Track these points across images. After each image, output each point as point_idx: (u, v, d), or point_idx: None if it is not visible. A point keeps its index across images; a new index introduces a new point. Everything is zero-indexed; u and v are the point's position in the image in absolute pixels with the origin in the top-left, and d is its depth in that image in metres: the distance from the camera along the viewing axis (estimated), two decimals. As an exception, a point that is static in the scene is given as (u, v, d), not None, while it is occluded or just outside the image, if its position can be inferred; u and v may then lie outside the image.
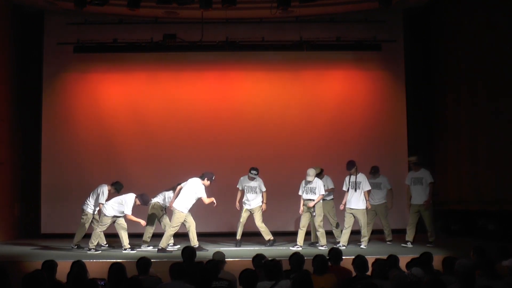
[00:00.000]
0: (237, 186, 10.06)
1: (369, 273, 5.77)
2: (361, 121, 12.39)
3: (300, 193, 9.68)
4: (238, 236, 9.96)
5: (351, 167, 9.57)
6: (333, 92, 12.54)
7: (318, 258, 5.84)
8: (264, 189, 10.00)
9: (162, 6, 10.25)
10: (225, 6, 9.72)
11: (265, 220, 11.16)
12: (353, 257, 5.96)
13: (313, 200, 9.52)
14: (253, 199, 9.96)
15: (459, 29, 11.07)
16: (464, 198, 10.80)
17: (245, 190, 9.98)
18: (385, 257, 6.30)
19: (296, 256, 5.95)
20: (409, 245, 9.62)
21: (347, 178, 9.66)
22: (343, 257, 6.45)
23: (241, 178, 10.07)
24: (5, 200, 11.37)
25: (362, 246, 9.52)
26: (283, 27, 12.12)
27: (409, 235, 9.76)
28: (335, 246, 8.86)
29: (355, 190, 9.52)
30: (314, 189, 9.52)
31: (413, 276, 5.08)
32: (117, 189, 9.83)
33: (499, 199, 9.60)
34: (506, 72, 9.46)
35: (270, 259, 6.07)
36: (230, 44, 11.58)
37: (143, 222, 9.53)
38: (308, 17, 11.96)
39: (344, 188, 9.68)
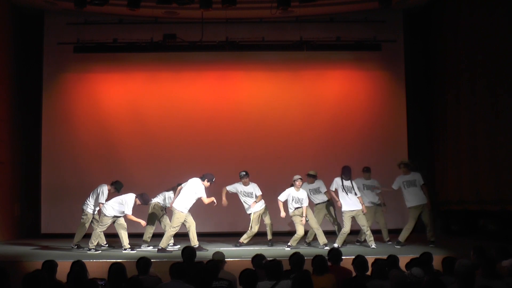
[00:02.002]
0: (228, 188, 9.96)
1: (369, 273, 5.77)
2: (361, 121, 12.39)
3: (282, 199, 9.64)
4: (246, 241, 9.94)
5: (350, 173, 9.48)
6: (333, 92, 12.55)
7: (318, 258, 5.85)
8: (259, 193, 9.97)
9: (162, 6, 10.25)
10: (225, 6, 9.72)
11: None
12: (353, 257, 5.97)
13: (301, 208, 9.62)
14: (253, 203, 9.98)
15: (459, 29, 11.07)
16: (464, 198, 10.79)
17: (242, 195, 9.97)
18: (385, 257, 6.30)
19: (296, 256, 5.95)
20: (401, 245, 9.58)
21: (338, 180, 9.48)
22: (343, 257, 6.45)
23: (236, 184, 10.00)
24: (5, 200, 11.38)
25: (373, 246, 9.43)
26: (283, 27, 12.13)
27: (404, 236, 9.73)
28: (334, 246, 8.87)
29: (355, 194, 9.46)
30: (302, 200, 9.60)
31: (413, 276, 5.09)
32: (117, 189, 9.83)
33: (499, 199, 9.59)
34: (506, 71, 9.46)
35: (270, 259, 6.07)
36: (230, 44, 11.59)
37: (143, 222, 9.53)
38: (308, 17, 11.96)
39: (332, 188, 9.54)
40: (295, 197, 9.62)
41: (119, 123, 12.35)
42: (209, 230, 11.43)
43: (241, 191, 9.98)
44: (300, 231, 9.53)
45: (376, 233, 10.29)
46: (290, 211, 9.66)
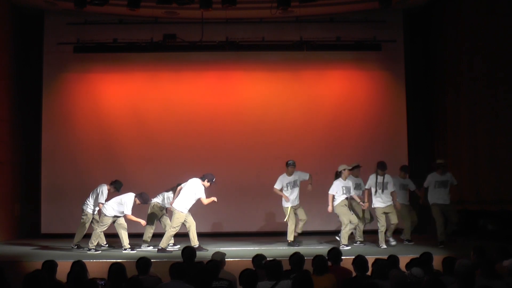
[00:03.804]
0: (276, 187, 9.91)
1: (369, 273, 5.77)
2: (361, 121, 12.39)
3: (334, 192, 9.52)
4: (291, 237, 9.81)
5: (385, 168, 9.49)
6: (333, 92, 12.54)
7: (318, 258, 5.85)
8: (306, 177, 9.91)
9: (162, 6, 10.24)
10: (225, 6, 9.72)
11: (265, 220, 11.17)
12: (353, 257, 5.97)
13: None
14: (297, 195, 9.88)
15: (459, 29, 11.07)
16: (464, 198, 10.79)
17: (287, 187, 9.87)
18: (385, 257, 6.30)
19: (296, 256, 5.96)
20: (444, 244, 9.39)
21: (373, 177, 9.51)
22: (343, 257, 6.45)
23: (280, 177, 9.95)
24: (5, 200, 11.37)
25: (393, 243, 9.48)
26: (283, 27, 12.12)
27: (443, 235, 9.54)
28: (335, 246, 8.86)
29: (382, 191, 9.45)
30: (350, 188, 9.61)
31: (413, 276, 5.09)
32: (116, 188, 9.82)
33: (499, 199, 9.59)
34: (507, 71, 9.46)
35: (270, 259, 6.08)
36: (230, 44, 11.58)
37: (143, 222, 9.53)
38: (308, 17, 11.95)
39: (367, 187, 9.55)
40: (344, 187, 9.51)
41: (119, 123, 12.34)
42: (209, 230, 11.42)
43: (286, 184, 9.87)
44: (345, 221, 9.38)
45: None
46: (335, 202, 9.51)
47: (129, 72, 12.48)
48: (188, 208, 9.31)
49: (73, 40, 11.76)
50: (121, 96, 12.46)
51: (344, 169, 9.52)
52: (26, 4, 11.87)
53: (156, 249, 9.26)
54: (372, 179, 9.53)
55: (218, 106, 12.39)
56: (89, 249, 9.26)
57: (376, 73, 12.60)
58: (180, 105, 12.37)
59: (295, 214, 9.87)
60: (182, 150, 12.20)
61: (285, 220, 9.85)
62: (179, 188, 9.44)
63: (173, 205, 9.33)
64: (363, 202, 9.64)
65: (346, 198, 9.53)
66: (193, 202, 9.34)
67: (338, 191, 9.46)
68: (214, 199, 9.36)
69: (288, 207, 9.80)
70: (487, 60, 10.02)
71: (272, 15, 10.36)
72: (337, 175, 9.67)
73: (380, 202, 9.49)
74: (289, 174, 9.88)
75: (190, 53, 12.09)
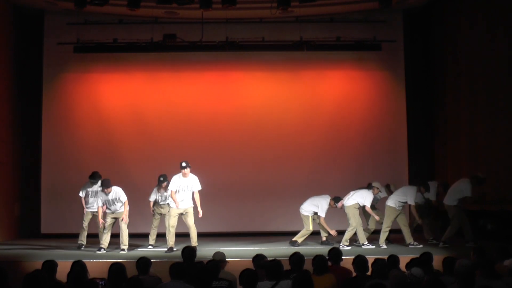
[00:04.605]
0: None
1: (369, 273, 5.77)
2: (361, 121, 12.39)
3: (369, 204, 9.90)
4: (300, 240, 10.12)
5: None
6: (333, 92, 12.54)
7: (318, 258, 5.85)
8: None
9: (162, 6, 10.25)
10: (225, 6, 9.72)
11: (266, 220, 11.16)
12: (353, 257, 5.97)
13: None
14: None
15: (459, 29, 11.08)
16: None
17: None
18: (385, 257, 6.30)
19: (296, 256, 5.95)
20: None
21: (417, 195, 9.80)
22: (343, 257, 6.45)
23: (325, 205, 10.12)
24: (5, 200, 11.37)
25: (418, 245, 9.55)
26: (283, 27, 12.11)
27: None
28: (335, 246, 8.86)
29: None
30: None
31: (413, 276, 5.09)
32: (92, 181, 9.77)
33: (499, 199, 9.59)
34: (506, 71, 9.46)
35: (270, 259, 6.08)
36: (230, 44, 11.57)
37: (101, 223, 9.40)
38: (308, 17, 11.95)
39: (411, 203, 9.68)
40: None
41: (119, 123, 12.34)
42: (209, 230, 11.41)
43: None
44: (353, 224, 9.76)
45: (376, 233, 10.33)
46: (349, 203, 9.84)
47: (129, 72, 12.48)
48: (178, 204, 9.35)
49: (73, 40, 11.75)
50: (121, 96, 12.46)
51: (377, 187, 9.93)
52: (26, 4, 11.88)
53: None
54: (415, 196, 9.71)
55: (218, 106, 12.38)
56: (100, 249, 9.26)
57: (376, 73, 12.60)
58: (180, 105, 12.37)
59: (314, 220, 10.17)
60: (182, 150, 12.15)
61: (310, 229, 10.04)
62: None
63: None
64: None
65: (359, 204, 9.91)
66: (182, 196, 9.40)
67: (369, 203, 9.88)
68: (177, 203, 9.40)
69: (309, 216, 10.08)
70: (487, 59, 10.02)
71: (272, 15, 10.36)
72: (369, 186, 10.07)
73: (396, 204, 9.72)
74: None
75: (190, 53, 12.09)
